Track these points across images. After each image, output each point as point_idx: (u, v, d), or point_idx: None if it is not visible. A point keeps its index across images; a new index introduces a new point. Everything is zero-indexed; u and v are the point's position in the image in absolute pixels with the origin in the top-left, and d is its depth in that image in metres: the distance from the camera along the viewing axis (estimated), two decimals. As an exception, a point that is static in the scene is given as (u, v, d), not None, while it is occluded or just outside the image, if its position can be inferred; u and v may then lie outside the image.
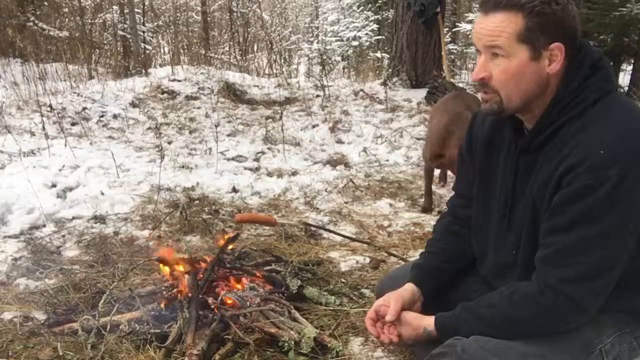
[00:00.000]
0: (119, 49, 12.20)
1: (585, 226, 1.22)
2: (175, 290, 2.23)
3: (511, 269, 1.43)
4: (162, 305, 2.18)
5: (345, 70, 12.20)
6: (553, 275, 1.25)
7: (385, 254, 2.95)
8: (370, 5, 14.19)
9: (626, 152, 1.20)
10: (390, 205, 3.90)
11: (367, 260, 2.90)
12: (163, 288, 2.30)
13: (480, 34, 1.28)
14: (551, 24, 1.23)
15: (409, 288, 1.55)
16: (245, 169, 4.68)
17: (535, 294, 1.28)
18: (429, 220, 3.53)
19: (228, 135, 5.69)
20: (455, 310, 1.40)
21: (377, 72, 9.71)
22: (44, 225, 3.30)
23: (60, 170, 4.07)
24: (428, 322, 1.42)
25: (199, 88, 7.41)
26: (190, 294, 2.13)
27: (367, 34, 13.42)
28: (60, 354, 1.95)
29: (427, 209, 3.75)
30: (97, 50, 11.65)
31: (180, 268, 2.27)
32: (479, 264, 1.60)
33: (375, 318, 1.53)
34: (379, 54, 11.88)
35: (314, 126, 6.12)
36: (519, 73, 1.27)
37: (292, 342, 1.94)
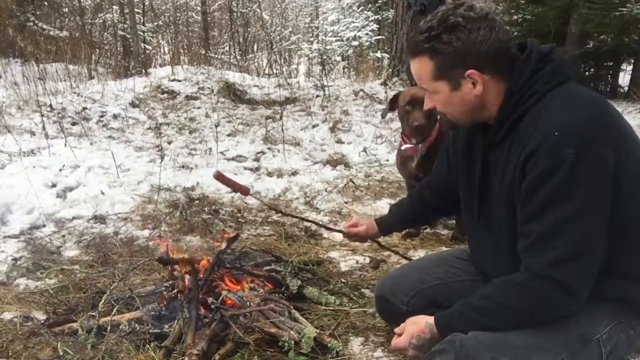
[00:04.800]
0: (119, 49, 12.20)
1: (555, 208, 1.25)
2: (175, 290, 2.22)
3: (503, 262, 1.46)
4: (162, 305, 2.18)
5: (345, 70, 12.18)
6: (536, 262, 1.29)
7: (385, 254, 2.95)
8: (370, 5, 14.19)
9: (580, 131, 1.23)
10: (390, 205, 3.89)
11: (367, 260, 2.90)
12: (163, 288, 2.30)
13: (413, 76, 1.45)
14: (457, 58, 1.32)
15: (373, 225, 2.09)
16: (245, 169, 4.69)
17: (524, 282, 1.32)
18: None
19: (228, 135, 5.69)
20: (453, 306, 1.44)
21: (377, 72, 9.69)
22: (44, 225, 3.30)
23: (60, 170, 4.06)
24: (430, 318, 1.46)
25: (199, 88, 7.41)
26: (190, 294, 2.13)
27: (367, 34, 13.40)
28: (60, 354, 1.95)
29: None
30: (97, 50, 11.65)
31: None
32: (475, 258, 1.68)
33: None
34: (379, 54, 11.85)
35: (314, 126, 6.12)
36: (448, 103, 1.41)
37: (292, 342, 1.94)
